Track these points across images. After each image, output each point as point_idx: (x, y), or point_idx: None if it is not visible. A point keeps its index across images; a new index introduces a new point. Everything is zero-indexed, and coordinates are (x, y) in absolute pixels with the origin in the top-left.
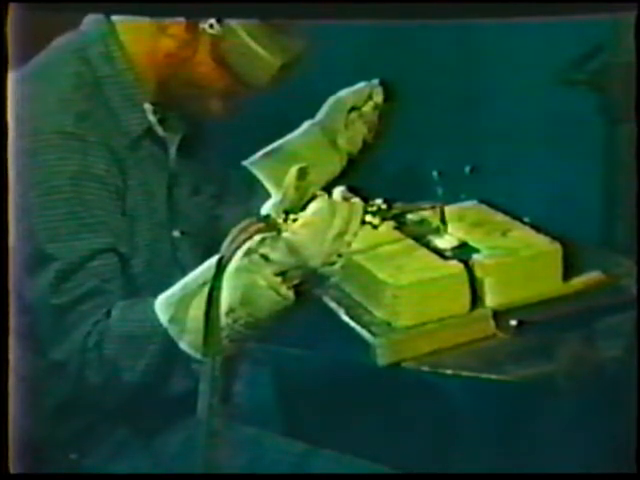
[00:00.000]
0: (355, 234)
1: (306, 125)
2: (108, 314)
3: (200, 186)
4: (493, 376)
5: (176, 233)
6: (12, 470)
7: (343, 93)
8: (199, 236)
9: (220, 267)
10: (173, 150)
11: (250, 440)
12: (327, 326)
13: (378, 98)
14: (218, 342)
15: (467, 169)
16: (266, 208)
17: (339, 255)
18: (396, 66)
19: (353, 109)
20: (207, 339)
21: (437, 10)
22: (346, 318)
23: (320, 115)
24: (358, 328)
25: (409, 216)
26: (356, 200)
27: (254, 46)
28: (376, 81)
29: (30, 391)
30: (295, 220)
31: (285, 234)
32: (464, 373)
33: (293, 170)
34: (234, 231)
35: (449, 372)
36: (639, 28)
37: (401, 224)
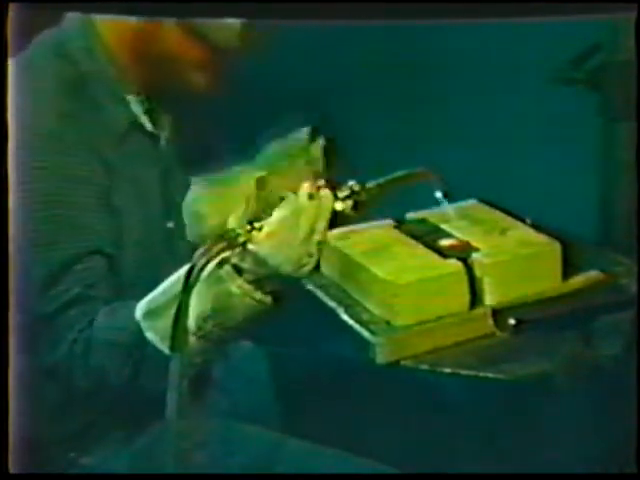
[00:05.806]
0: (324, 231)
1: None
2: (91, 322)
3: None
4: (492, 374)
5: (170, 224)
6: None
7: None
8: None
9: (188, 285)
10: (163, 141)
11: (249, 438)
12: (326, 325)
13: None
14: (186, 354)
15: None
16: (230, 220)
17: (310, 255)
18: (396, 65)
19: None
20: (174, 349)
21: (436, 10)
22: (345, 316)
23: None
24: (357, 327)
25: (409, 215)
26: (324, 193)
27: None
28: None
29: (28, 392)
30: (261, 228)
31: (251, 246)
32: (463, 371)
33: (252, 180)
34: (195, 255)
35: (448, 370)
36: (639, 28)
37: (400, 223)
